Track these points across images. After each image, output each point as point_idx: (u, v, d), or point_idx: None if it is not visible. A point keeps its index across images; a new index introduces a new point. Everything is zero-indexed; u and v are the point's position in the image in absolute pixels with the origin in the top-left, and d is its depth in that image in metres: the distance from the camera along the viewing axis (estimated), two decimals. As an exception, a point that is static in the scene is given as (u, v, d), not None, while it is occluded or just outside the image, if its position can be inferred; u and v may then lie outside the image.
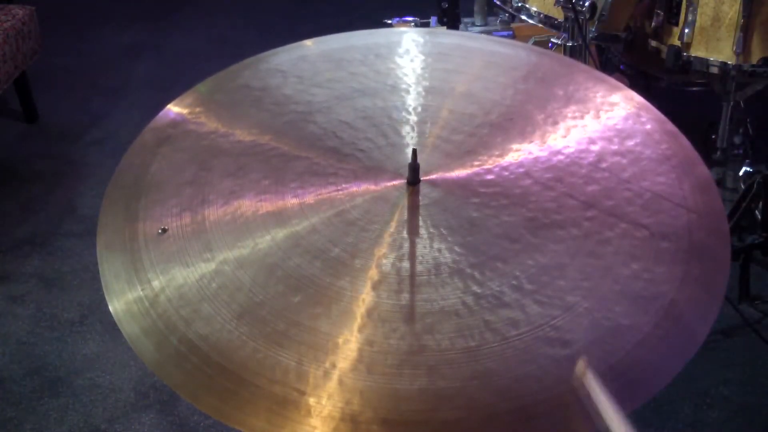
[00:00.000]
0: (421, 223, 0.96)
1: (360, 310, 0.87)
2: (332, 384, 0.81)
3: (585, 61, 1.90)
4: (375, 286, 0.89)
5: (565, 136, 1.08)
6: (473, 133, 1.09)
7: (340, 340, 0.84)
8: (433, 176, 1.01)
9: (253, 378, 0.82)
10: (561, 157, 1.05)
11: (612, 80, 1.17)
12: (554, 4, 1.97)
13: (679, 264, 0.92)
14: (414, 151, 0.99)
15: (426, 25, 2.67)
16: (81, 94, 3.24)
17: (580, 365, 0.81)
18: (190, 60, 3.44)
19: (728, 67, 1.96)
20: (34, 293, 2.30)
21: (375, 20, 2.52)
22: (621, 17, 2.10)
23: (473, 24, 2.71)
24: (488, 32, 2.63)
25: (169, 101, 1.15)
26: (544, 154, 1.05)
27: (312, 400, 0.80)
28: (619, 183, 1.01)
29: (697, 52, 1.98)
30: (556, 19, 2.06)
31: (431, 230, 0.95)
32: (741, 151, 2.30)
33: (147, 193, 1.02)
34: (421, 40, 1.27)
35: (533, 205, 0.98)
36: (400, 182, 1.01)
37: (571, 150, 1.06)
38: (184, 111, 1.13)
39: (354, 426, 0.78)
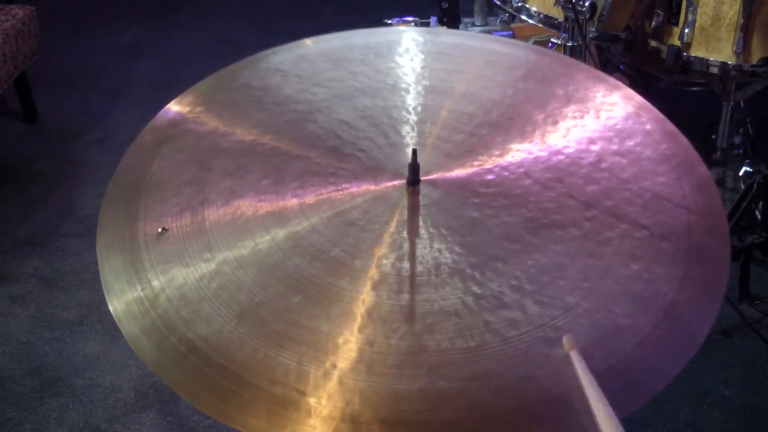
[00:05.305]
0: (421, 223, 0.96)
1: (360, 310, 0.87)
2: (332, 384, 0.81)
3: (585, 61, 1.90)
4: (375, 287, 0.89)
5: (565, 136, 1.08)
6: (473, 132, 1.09)
7: (340, 341, 0.84)
8: (433, 176, 1.01)
9: (253, 378, 0.82)
10: (561, 157, 1.05)
11: (612, 80, 1.17)
12: (554, 4, 1.97)
13: (679, 264, 0.91)
14: (414, 151, 0.98)
15: (426, 25, 2.66)
16: (81, 94, 3.24)
17: (567, 341, 0.81)
18: (190, 60, 3.44)
19: (728, 67, 1.96)
20: (34, 293, 2.30)
21: (375, 20, 2.52)
22: (621, 17, 2.10)
23: (473, 24, 2.71)
24: (488, 32, 2.63)
25: (169, 101, 1.14)
26: (544, 154, 1.05)
27: (312, 401, 0.80)
28: (619, 183, 1.01)
29: (697, 52, 1.98)
30: (556, 19, 2.06)
31: (431, 230, 0.95)
32: (741, 151, 2.30)
33: (147, 193, 1.02)
34: (421, 39, 1.27)
35: (533, 205, 0.98)
36: (400, 182, 1.00)
37: (571, 150, 1.06)
38: (184, 110, 1.13)
39: (354, 426, 0.78)
